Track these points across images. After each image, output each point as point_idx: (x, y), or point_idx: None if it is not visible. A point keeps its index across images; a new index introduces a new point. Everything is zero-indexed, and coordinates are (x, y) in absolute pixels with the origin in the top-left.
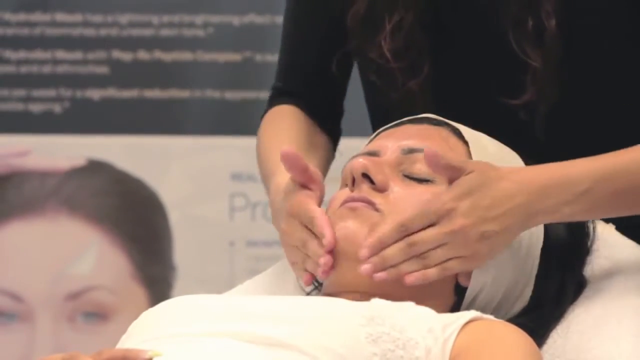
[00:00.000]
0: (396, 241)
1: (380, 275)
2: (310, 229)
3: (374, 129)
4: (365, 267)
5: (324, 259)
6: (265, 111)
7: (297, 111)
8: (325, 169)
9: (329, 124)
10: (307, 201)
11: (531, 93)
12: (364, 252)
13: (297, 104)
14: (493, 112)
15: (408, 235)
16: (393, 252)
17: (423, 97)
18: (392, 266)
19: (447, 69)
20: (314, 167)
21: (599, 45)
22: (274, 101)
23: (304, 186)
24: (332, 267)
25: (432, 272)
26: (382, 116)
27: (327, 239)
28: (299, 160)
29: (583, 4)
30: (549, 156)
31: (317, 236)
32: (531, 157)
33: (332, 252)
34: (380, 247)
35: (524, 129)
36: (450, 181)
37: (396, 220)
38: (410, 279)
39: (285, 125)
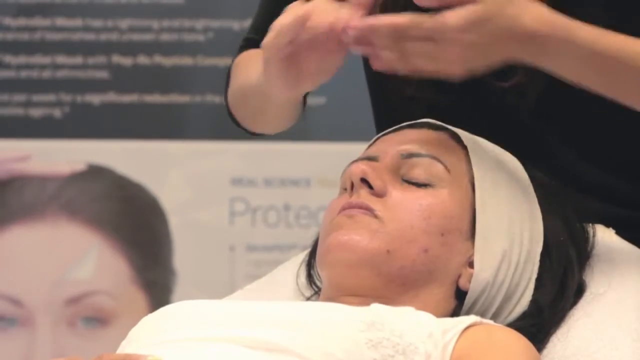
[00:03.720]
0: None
1: (354, 45)
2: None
3: (377, 122)
4: (343, 34)
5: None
6: (233, 60)
7: None
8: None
9: None
10: None
11: (521, 76)
12: (349, 30)
13: None
14: (482, 93)
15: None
16: (380, 40)
17: (417, 78)
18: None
19: None
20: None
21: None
22: (243, 50)
23: None
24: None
25: (400, 66)
26: (383, 104)
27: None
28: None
29: None
30: (533, 140)
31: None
32: (516, 140)
33: None
34: (367, 29)
35: (510, 112)
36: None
37: (393, 21)
38: (375, 62)
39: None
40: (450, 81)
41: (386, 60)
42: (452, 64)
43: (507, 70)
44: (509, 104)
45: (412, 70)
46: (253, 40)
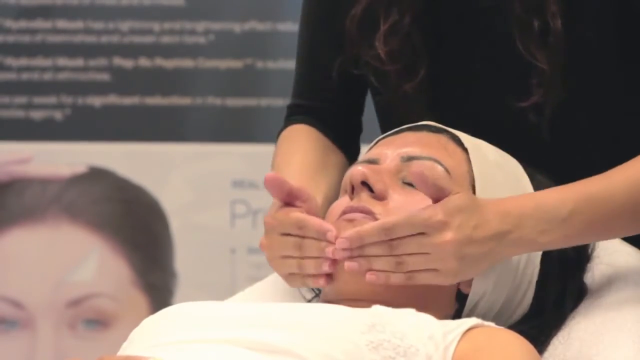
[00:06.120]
0: (375, 243)
1: (350, 264)
2: (299, 234)
3: (382, 132)
4: (337, 253)
5: (331, 250)
6: (281, 130)
7: (312, 130)
8: (336, 189)
9: (345, 141)
10: (289, 211)
11: (538, 95)
12: (340, 243)
13: (311, 123)
14: (498, 114)
15: (390, 240)
16: (373, 247)
17: (418, 99)
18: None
19: (447, 72)
20: (299, 187)
21: (604, 47)
22: (289, 119)
23: (290, 204)
24: (335, 262)
25: (396, 278)
26: (383, 118)
27: (333, 231)
28: (283, 184)
29: (588, 6)
30: (553, 158)
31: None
32: (535, 159)
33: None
34: (358, 241)
35: (529, 130)
36: (435, 201)
37: (380, 222)
38: (372, 277)
39: (297, 147)
40: (467, 105)
41: (382, 271)
42: (446, 256)
43: (523, 91)
44: (529, 123)
45: (408, 278)
46: (296, 106)
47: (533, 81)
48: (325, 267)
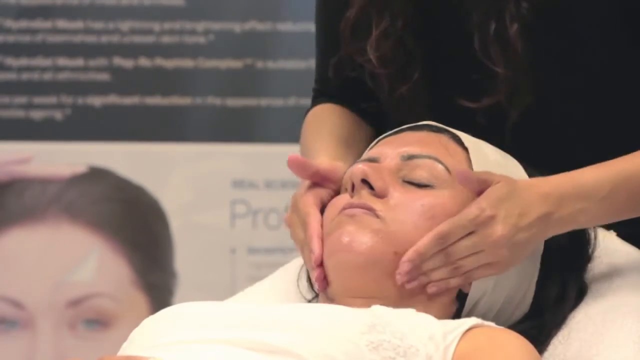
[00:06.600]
0: (435, 253)
1: (412, 284)
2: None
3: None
4: (400, 277)
5: (316, 275)
6: (308, 110)
7: (338, 108)
8: None
9: (373, 119)
10: (308, 200)
11: (496, 96)
12: (405, 267)
13: (337, 102)
14: (489, 116)
15: (446, 247)
16: (431, 263)
17: (414, 102)
18: (424, 274)
19: (439, 75)
20: (326, 165)
21: (567, 52)
22: (315, 101)
23: (318, 184)
24: (326, 280)
25: (454, 281)
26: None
27: (315, 255)
28: (307, 166)
29: (551, 11)
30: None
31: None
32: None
33: (321, 264)
34: (420, 260)
35: (491, 133)
36: (478, 194)
37: (435, 232)
38: (433, 289)
39: (325, 122)
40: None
41: (441, 280)
42: (499, 248)
43: (483, 91)
44: (490, 125)
45: (465, 278)
46: (319, 90)
47: (493, 84)
48: (317, 287)
